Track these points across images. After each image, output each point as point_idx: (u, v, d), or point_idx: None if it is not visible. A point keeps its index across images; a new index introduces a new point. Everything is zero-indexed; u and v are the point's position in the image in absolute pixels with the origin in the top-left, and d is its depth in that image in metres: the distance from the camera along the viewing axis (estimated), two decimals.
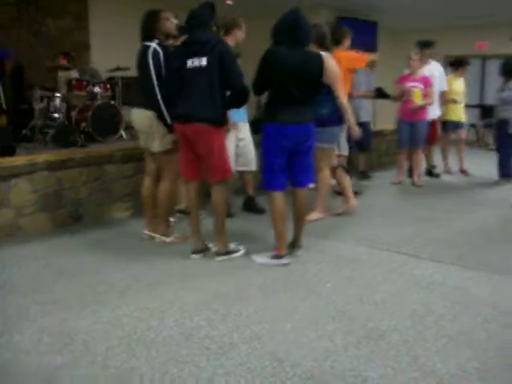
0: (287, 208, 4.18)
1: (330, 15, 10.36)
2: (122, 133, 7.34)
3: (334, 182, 5.83)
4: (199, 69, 3.92)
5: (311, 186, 4.37)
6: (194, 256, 4.24)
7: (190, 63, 3.95)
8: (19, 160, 4.86)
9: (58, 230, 4.97)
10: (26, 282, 3.72)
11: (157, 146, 4.39)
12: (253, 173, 5.59)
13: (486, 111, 12.23)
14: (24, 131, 6.94)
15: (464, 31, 12.13)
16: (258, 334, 2.95)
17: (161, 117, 4.21)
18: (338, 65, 5.09)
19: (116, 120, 7.25)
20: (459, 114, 8.31)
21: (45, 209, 4.95)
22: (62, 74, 7.91)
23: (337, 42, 5.63)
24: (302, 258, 4.25)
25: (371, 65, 6.14)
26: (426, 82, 7.19)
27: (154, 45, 4.24)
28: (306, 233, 4.46)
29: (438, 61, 8.01)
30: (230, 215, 5.10)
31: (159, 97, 4.17)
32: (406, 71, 7.35)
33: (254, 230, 4.98)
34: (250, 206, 5.74)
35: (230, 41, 4.85)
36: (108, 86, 7.70)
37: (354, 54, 5.74)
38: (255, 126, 5.67)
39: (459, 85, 8.29)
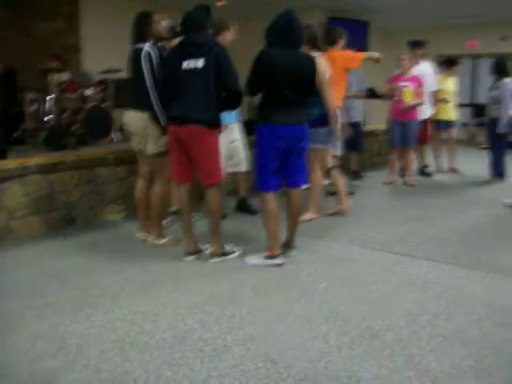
0: (281, 208, 4.18)
1: (322, 16, 10.39)
2: (114, 135, 7.31)
3: (326, 182, 5.84)
4: (195, 70, 3.92)
5: (304, 186, 4.37)
6: (187, 258, 4.23)
7: (185, 65, 3.95)
8: (11, 163, 4.84)
9: (51, 233, 4.95)
10: (19, 286, 3.70)
11: (151, 148, 4.38)
12: (245, 174, 5.59)
13: (477, 110, 12.30)
14: (15, 134, 6.90)
15: (455, 31, 12.18)
16: (252, 336, 2.94)
17: (155, 119, 4.20)
18: (334, 65, 5.10)
19: (108, 122, 7.23)
20: (450, 113, 8.35)
21: (37, 212, 4.93)
22: (53, 77, 7.87)
23: (332, 42, 5.67)
24: (296, 259, 4.25)
25: (376, 61, 6.15)
26: (417, 82, 7.20)
27: (147, 46, 4.22)
28: (300, 233, 4.46)
29: (429, 60, 8.04)
30: (223, 216, 5.10)
31: (154, 98, 4.16)
32: (397, 71, 7.37)
33: (248, 231, 4.97)
34: (244, 207, 5.75)
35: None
36: (99, 88, 7.68)
37: (349, 53, 5.77)
38: (248, 127, 5.68)
39: (450, 84, 8.33)
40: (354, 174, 7.86)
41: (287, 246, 4.37)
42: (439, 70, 8.37)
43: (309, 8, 9.73)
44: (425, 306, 3.33)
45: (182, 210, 4.28)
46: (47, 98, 7.06)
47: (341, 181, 5.69)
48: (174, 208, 5.21)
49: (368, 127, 8.95)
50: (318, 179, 5.38)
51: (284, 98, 3.95)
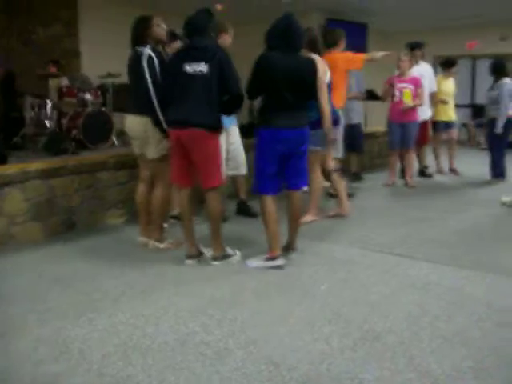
0: (282, 211, 4.19)
1: (321, 18, 10.41)
2: (114, 139, 7.32)
3: (326, 184, 5.85)
4: (197, 74, 3.92)
5: (305, 188, 4.39)
6: (188, 261, 4.24)
7: (188, 68, 3.95)
8: (11, 168, 4.85)
9: (51, 238, 4.95)
10: (20, 291, 3.70)
11: (152, 152, 4.39)
12: (244, 177, 5.60)
13: (477, 111, 12.30)
14: (15, 139, 6.91)
15: (454, 32, 12.17)
16: (254, 339, 2.95)
17: (157, 123, 4.21)
18: (335, 67, 5.11)
19: (107, 127, 7.23)
20: (450, 114, 8.36)
21: (37, 217, 4.93)
22: (52, 82, 7.90)
23: (333, 44, 5.69)
24: (297, 261, 4.25)
25: (390, 57, 6.18)
26: (416, 83, 7.22)
27: (147, 50, 4.22)
28: (301, 235, 4.46)
29: (428, 62, 8.05)
30: (223, 220, 5.10)
31: (155, 102, 4.16)
32: (396, 72, 7.38)
33: (248, 234, 4.98)
34: (244, 210, 5.75)
35: None
36: (99, 92, 7.69)
37: (350, 54, 5.80)
38: (246, 130, 5.69)
39: (449, 85, 8.33)
40: (354, 176, 7.87)
41: (288, 248, 4.37)
42: (438, 71, 8.38)
43: (307, 10, 9.74)
44: (425, 308, 3.34)
45: (182, 214, 4.29)
46: (47, 103, 7.07)
47: (341, 183, 5.70)
48: (174, 212, 5.21)
49: (368, 129, 8.96)
50: (318, 181, 5.39)
51: (284, 102, 3.96)
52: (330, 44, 5.73)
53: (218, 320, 3.18)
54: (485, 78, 9.54)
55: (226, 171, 5.24)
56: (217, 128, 4.06)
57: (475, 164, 8.83)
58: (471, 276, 3.91)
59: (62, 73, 8.04)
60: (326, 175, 5.61)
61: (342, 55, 5.70)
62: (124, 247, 4.70)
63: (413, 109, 7.25)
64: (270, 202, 4.09)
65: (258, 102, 4.30)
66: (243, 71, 4.07)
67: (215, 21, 4.18)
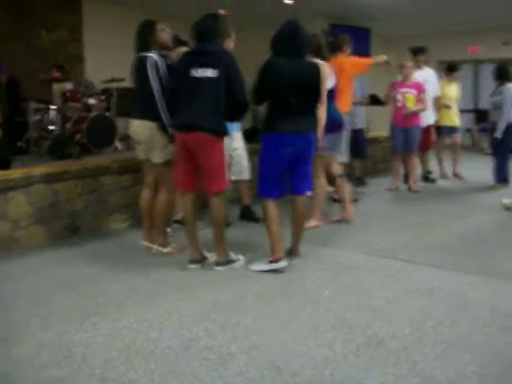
0: (286, 216, 4.19)
1: (325, 23, 10.43)
2: (117, 144, 7.34)
3: (330, 189, 5.84)
4: (204, 79, 3.92)
5: (309, 193, 4.38)
6: (191, 266, 4.24)
7: (194, 73, 3.94)
8: (15, 173, 4.86)
9: (55, 243, 4.96)
10: (23, 295, 3.70)
11: (157, 156, 4.39)
12: (248, 182, 5.60)
13: (480, 116, 12.29)
14: (19, 144, 6.94)
15: (456, 36, 12.19)
16: (257, 344, 2.94)
17: (163, 127, 4.21)
18: (342, 71, 5.11)
19: (111, 131, 7.26)
20: (453, 118, 8.35)
21: (41, 221, 4.94)
22: (56, 87, 7.93)
23: (338, 48, 5.71)
24: (301, 266, 4.24)
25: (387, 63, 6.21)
26: (419, 88, 7.22)
27: (153, 55, 4.23)
28: (304, 240, 4.46)
29: (431, 67, 8.06)
30: (227, 224, 5.10)
31: (161, 107, 4.17)
32: (399, 77, 7.39)
33: (252, 239, 4.98)
34: (247, 215, 5.75)
35: None
36: (103, 97, 7.71)
37: (356, 59, 5.81)
38: (250, 135, 5.70)
39: (452, 90, 8.34)
40: (358, 181, 7.86)
41: (291, 253, 4.37)
42: (441, 76, 8.39)
43: (311, 16, 9.76)
44: (429, 313, 3.33)
45: (186, 219, 4.29)
46: (51, 108, 7.10)
47: (345, 188, 5.69)
48: (178, 216, 5.21)
49: (371, 134, 8.96)
50: (322, 186, 5.39)
51: (290, 107, 3.97)
52: (335, 49, 5.75)
53: (221, 325, 3.18)
54: (488, 82, 9.54)
55: (229, 176, 5.25)
56: (222, 133, 4.06)
57: (479, 169, 8.80)
58: (475, 281, 3.90)
59: (66, 78, 8.08)
60: (331, 180, 5.60)
61: (349, 59, 5.73)
62: (128, 252, 4.70)
63: (416, 114, 7.26)
64: (272, 206, 4.10)
65: (262, 108, 4.31)
66: (244, 76, 4.06)
67: (223, 25, 4.16)
